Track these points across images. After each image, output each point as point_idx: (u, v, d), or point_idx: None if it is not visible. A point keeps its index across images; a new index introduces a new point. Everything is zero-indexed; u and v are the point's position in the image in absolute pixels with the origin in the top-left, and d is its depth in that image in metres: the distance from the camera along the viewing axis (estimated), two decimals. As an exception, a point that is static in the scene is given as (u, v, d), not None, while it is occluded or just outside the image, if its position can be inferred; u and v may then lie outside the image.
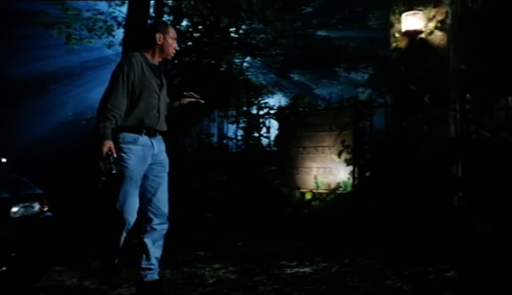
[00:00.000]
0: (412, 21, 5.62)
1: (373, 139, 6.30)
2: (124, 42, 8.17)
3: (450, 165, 5.46)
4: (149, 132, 3.36)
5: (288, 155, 6.88)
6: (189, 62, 9.48)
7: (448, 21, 5.60)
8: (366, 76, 21.58)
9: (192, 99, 3.70)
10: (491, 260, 4.13)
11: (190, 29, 9.66)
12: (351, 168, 6.25)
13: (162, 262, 3.44)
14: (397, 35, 5.88)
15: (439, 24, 5.57)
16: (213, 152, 8.30)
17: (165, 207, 3.43)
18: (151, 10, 9.02)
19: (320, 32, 19.40)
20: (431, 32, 5.62)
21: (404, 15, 5.71)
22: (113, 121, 3.16)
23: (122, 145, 3.22)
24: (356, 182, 6.17)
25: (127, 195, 3.23)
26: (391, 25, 5.99)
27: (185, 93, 3.71)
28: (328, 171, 6.40)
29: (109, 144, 3.07)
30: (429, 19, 5.64)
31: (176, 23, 9.46)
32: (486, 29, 5.76)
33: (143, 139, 3.32)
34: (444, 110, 5.53)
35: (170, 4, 9.98)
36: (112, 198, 3.22)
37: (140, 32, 7.92)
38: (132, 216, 3.26)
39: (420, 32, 5.65)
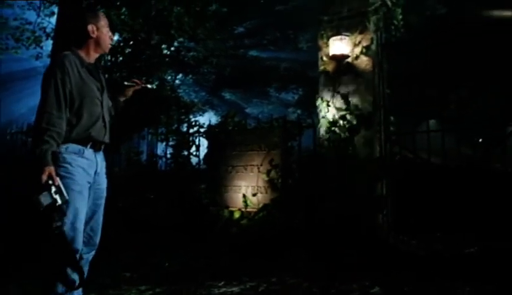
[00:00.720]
0: (339, 45, 5.82)
1: (301, 159, 6.40)
2: (52, 54, 7.92)
3: (375, 184, 5.64)
4: (95, 145, 2.92)
5: (217, 173, 6.87)
6: (119, 78, 9.31)
7: (373, 47, 5.83)
8: (296, 96, 22.02)
9: (137, 87, 3.34)
10: (414, 276, 4.28)
11: (121, 44, 9.50)
12: (279, 186, 6.32)
13: (87, 285, 3.10)
14: (324, 58, 6.06)
15: (364, 50, 5.80)
16: (142, 170, 8.14)
17: (97, 237, 3.01)
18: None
19: (252, 52, 19.66)
20: (357, 57, 5.83)
21: (331, 40, 5.90)
22: (51, 142, 2.65)
23: (66, 156, 2.75)
24: (284, 201, 6.24)
25: (78, 212, 2.75)
26: (319, 49, 6.17)
27: (126, 83, 3.34)
28: (257, 189, 6.43)
29: (49, 170, 2.59)
30: (355, 45, 5.86)
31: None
32: (408, 56, 6.05)
33: (88, 152, 2.88)
34: (369, 131, 5.73)
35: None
36: (57, 226, 2.62)
37: (68, 43, 7.73)
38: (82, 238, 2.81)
39: (347, 56, 5.85)
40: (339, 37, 5.83)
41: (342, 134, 5.77)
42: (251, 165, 6.54)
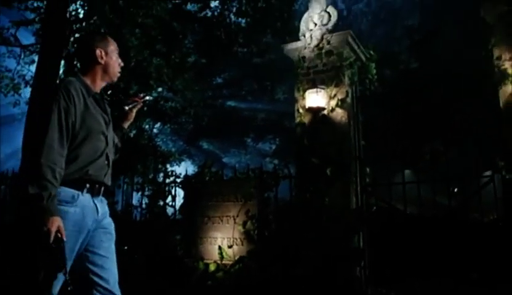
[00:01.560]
0: (315, 98, 5.92)
1: (278, 209, 6.38)
2: (31, 101, 7.90)
3: (352, 235, 5.63)
4: (93, 188, 2.47)
5: (193, 224, 6.78)
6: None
7: (348, 100, 5.95)
8: (273, 146, 22.18)
9: (139, 105, 2.98)
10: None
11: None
12: (255, 238, 6.26)
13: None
14: (301, 110, 6.14)
15: (340, 103, 5.91)
16: (116, 219, 8.00)
17: (115, 287, 2.53)
18: (61, 71, 8.87)
19: (230, 103, 19.88)
20: (333, 110, 5.93)
21: (307, 92, 6.01)
22: (55, 184, 2.23)
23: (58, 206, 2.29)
24: (260, 252, 6.17)
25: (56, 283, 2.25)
26: (296, 101, 6.27)
27: (127, 107, 2.93)
28: (233, 241, 6.35)
29: (57, 221, 2.16)
30: (331, 98, 5.97)
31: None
32: (382, 108, 6.17)
33: (84, 198, 2.41)
34: (345, 183, 5.76)
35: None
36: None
37: (47, 91, 7.73)
38: None
39: (323, 109, 5.95)
40: (315, 90, 5.94)
41: (319, 185, 5.78)
42: (227, 216, 6.48)
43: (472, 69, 5.78)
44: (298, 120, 6.17)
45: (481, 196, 5.33)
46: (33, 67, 9.92)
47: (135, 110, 2.97)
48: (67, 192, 2.35)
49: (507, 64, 5.25)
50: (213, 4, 13.15)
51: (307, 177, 5.89)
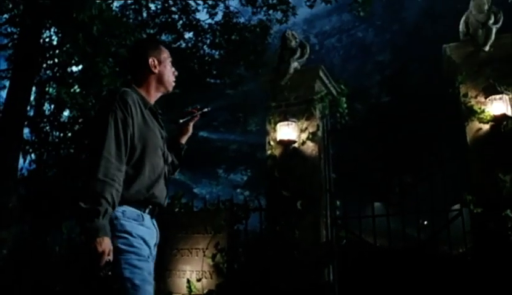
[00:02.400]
0: (286, 131, 5.95)
1: (248, 242, 6.32)
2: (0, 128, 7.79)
3: (322, 269, 5.60)
4: (153, 210, 2.32)
5: (161, 256, 6.63)
6: (67, 154, 9.13)
7: (319, 133, 6.00)
8: (245, 178, 22.16)
9: (196, 118, 2.74)
10: None
11: (70, 121, 9.41)
12: (224, 271, 6.17)
13: None
14: (272, 143, 6.16)
15: (310, 136, 5.95)
16: (83, 250, 7.80)
17: None
18: (32, 97, 8.78)
19: (202, 133, 19.85)
20: (304, 143, 5.97)
21: (278, 125, 6.04)
22: (110, 201, 2.02)
23: (124, 223, 2.11)
24: (229, 286, 6.07)
25: None
26: (267, 133, 6.29)
27: (181, 120, 2.67)
28: (202, 274, 6.25)
29: (108, 243, 1.97)
30: (302, 131, 6.01)
31: (57, 113, 9.20)
32: (353, 142, 6.24)
33: (147, 218, 2.25)
34: (315, 216, 5.76)
35: (52, 95, 9.72)
36: None
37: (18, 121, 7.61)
38: None
39: (294, 141, 5.98)
40: (286, 122, 5.98)
41: (289, 218, 5.77)
42: (196, 248, 6.38)
43: (440, 105, 5.90)
44: (269, 152, 6.18)
45: (450, 230, 5.39)
46: (4, 93, 9.79)
47: (191, 124, 2.72)
48: (133, 211, 2.19)
49: (473, 102, 5.37)
50: (187, 35, 13.26)
51: (277, 210, 5.87)
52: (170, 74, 2.56)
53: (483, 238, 4.38)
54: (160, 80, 2.51)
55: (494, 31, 5.44)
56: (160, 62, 2.50)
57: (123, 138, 2.15)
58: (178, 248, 6.54)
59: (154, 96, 2.51)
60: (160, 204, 2.36)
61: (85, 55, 8.37)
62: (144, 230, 2.21)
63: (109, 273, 1.94)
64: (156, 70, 2.47)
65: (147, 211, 2.26)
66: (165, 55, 2.56)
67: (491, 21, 5.49)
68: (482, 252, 4.20)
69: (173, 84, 2.60)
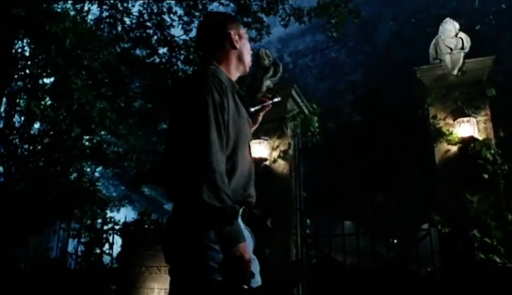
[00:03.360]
0: (258, 149, 5.96)
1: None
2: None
3: (291, 287, 5.59)
4: (244, 213, 1.99)
5: (130, 274, 6.55)
6: (35, 167, 8.97)
7: (290, 151, 6.03)
8: (217, 194, 22.04)
9: (267, 108, 2.44)
10: None
11: (40, 134, 9.26)
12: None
13: None
14: (244, 160, 6.16)
15: (282, 154, 5.98)
16: (50, 267, 7.66)
17: None
18: (2, 108, 8.62)
19: (174, 149, 19.74)
20: (275, 161, 5.99)
21: (250, 143, 6.04)
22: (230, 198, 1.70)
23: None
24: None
25: None
26: (239, 151, 6.28)
27: (253, 109, 2.32)
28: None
29: (246, 248, 1.69)
30: (274, 149, 6.04)
31: (27, 126, 9.05)
32: (324, 161, 6.28)
33: (241, 225, 1.89)
34: (285, 234, 5.76)
35: (22, 107, 9.57)
36: None
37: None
38: None
39: (265, 159, 5.99)
40: (258, 140, 5.99)
41: (260, 236, 5.74)
42: (165, 266, 6.30)
43: (411, 127, 6.01)
44: (240, 170, 6.17)
45: (418, 249, 5.46)
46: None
47: (262, 114, 2.43)
48: None
49: (442, 123, 5.49)
50: (161, 51, 13.22)
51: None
52: (248, 52, 2.23)
53: (450, 257, 4.44)
54: (240, 57, 2.16)
55: (462, 55, 5.59)
56: (240, 37, 2.16)
57: (222, 124, 1.79)
58: (146, 265, 6.46)
59: (234, 76, 2.15)
60: (252, 205, 2.05)
61: (57, 68, 8.28)
62: (246, 233, 1.90)
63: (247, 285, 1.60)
64: (238, 46, 2.13)
65: (240, 212, 1.93)
66: (243, 30, 2.23)
67: (459, 46, 5.64)
68: (450, 271, 4.26)
69: (250, 64, 2.27)
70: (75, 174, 10.06)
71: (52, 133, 9.24)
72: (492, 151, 5.26)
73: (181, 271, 1.79)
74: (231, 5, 12.49)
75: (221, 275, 1.63)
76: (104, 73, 9.36)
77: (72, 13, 9.13)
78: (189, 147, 1.72)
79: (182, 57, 13.21)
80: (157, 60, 13.37)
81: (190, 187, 1.67)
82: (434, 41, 5.83)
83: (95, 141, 10.50)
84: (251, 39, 12.54)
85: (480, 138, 5.34)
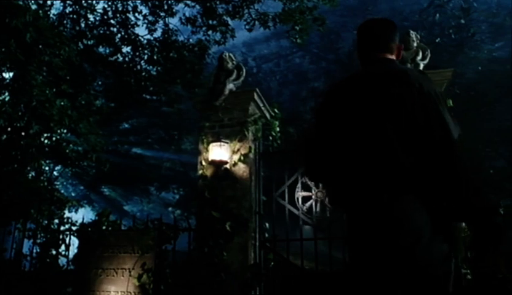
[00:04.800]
0: (218, 151, 5.97)
1: (175, 263, 6.23)
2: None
3: (249, 291, 5.61)
4: None
5: (86, 276, 6.43)
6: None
7: (251, 155, 6.06)
8: (177, 196, 21.93)
9: None
10: None
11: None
12: (150, 292, 6.05)
13: None
14: (204, 163, 6.16)
15: (242, 157, 6.00)
16: (4, 269, 7.46)
17: None
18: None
19: (136, 150, 19.54)
20: (235, 164, 6.01)
21: (211, 145, 6.06)
22: None
23: None
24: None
25: None
26: (200, 153, 6.28)
27: None
28: (127, 295, 6.11)
29: None
30: (234, 152, 6.05)
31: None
32: (283, 165, 6.34)
33: None
34: (244, 238, 5.78)
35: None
36: None
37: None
38: None
39: (225, 162, 6.00)
40: (219, 143, 6.00)
41: (218, 240, 5.75)
42: (122, 268, 6.23)
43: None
44: (200, 172, 6.17)
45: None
46: None
47: None
48: None
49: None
50: (125, 49, 13.11)
51: (206, 231, 5.85)
52: None
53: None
54: None
55: (422, 66, 5.73)
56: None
57: None
58: (103, 268, 6.36)
59: None
60: None
61: (17, 62, 8.10)
62: None
63: None
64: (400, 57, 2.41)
65: None
66: None
67: (419, 57, 5.78)
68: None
69: None
70: (33, 173, 9.84)
71: (9, 129, 9.02)
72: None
73: None
74: (197, 6, 12.47)
75: None
76: (66, 70, 9.18)
77: (34, 7, 8.95)
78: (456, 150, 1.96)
79: (146, 57, 13.11)
80: (121, 59, 13.24)
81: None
82: (395, 52, 5.96)
83: (54, 139, 10.30)
84: (215, 42, 12.57)
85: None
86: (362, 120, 2.14)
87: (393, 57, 2.34)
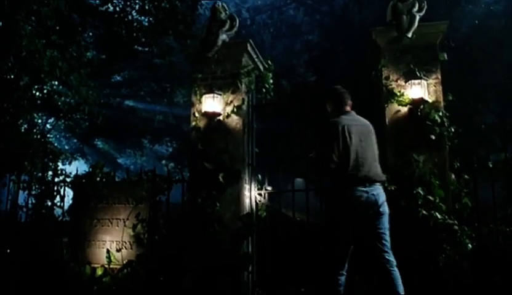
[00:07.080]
0: (211, 103, 5.96)
1: (169, 214, 6.32)
2: None
3: (241, 241, 5.72)
4: None
5: (81, 226, 6.52)
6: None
7: (244, 107, 6.05)
8: (170, 149, 21.97)
9: None
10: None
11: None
12: (145, 242, 6.16)
13: None
14: (197, 114, 6.15)
15: (235, 109, 5.99)
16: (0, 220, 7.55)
17: None
18: None
19: (128, 102, 19.40)
20: (228, 116, 6.01)
21: (204, 97, 6.03)
22: None
23: None
24: (149, 257, 6.08)
25: None
26: (192, 105, 6.26)
27: None
28: (122, 245, 6.20)
29: None
30: (227, 104, 6.04)
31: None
32: (277, 117, 6.35)
33: None
34: (236, 189, 5.85)
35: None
36: None
37: None
38: None
39: (218, 114, 6.00)
40: (212, 95, 5.98)
41: (211, 191, 5.81)
42: (117, 219, 6.32)
43: (364, 86, 6.10)
44: (193, 124, 6.17)
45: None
46: None
47: None
48: None
49: (394, 85, 5.62)
50: (115, -1, 12.82)
51: (199, 182, 5.90)
52: None
53: (395, 212, 4.61)
54: None
55: (417, 18, 5.68)
56: None
57: None
58: (98, 218, 6.45)
59: None
60: None
61: (4, 12, 7.93)
62: None
63: None
64: None
65: None
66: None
67: (415, 9, 5.72)
68: (393, 227, 4.43)
69: None
70: (25, 126, 9.80)
71: (-1, 81, 8.91)
72: (440, 113, 5.44)
73: None
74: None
75: None
76: (55, 20, 9.00)
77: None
78: None
79: (137, 7, 12.84)
80: (111, 9, 12.97)
81: None
82: (391, 3, 5.89)
83: (45, 91, 10.21)
84: (209, -8, 12.32)
85: (430, 100, 5.49)
86: (361, 138, 4.29)
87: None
